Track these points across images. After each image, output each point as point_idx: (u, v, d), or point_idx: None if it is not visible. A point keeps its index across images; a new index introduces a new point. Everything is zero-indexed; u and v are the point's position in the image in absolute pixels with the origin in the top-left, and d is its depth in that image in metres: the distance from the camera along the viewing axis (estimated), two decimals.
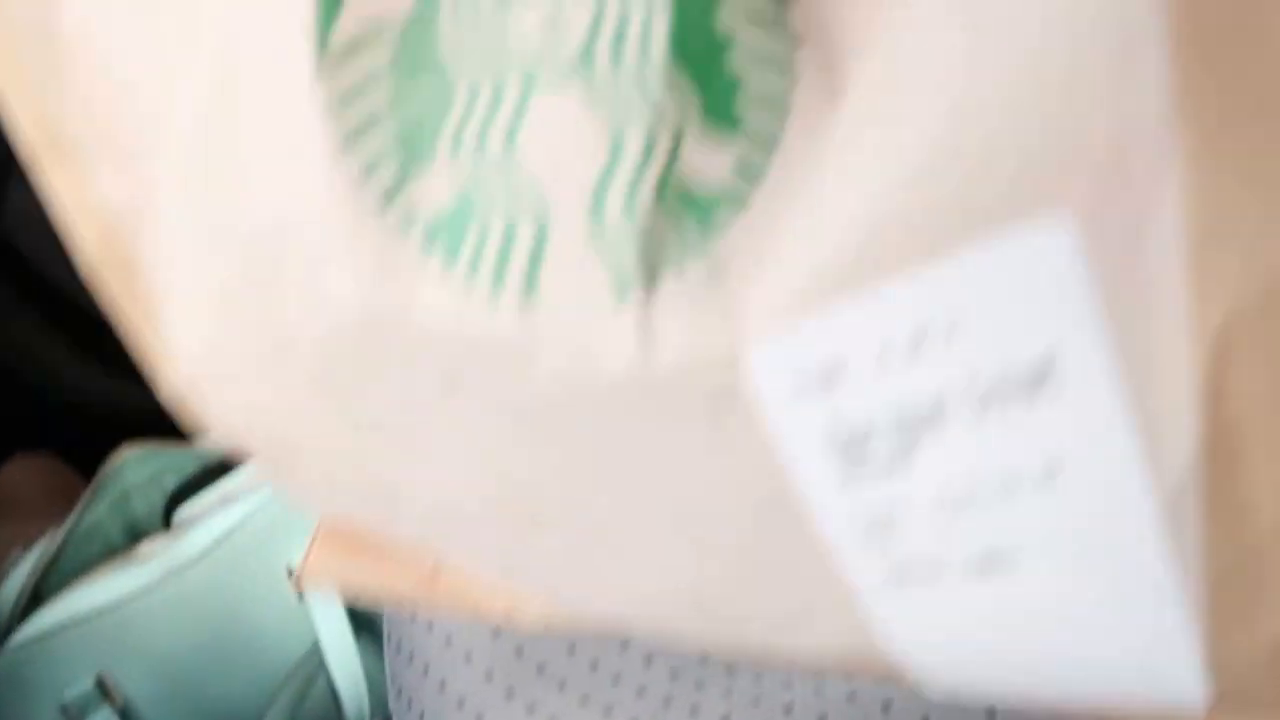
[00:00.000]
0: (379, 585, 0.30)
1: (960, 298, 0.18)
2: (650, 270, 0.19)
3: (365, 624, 0.86)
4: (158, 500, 0.96)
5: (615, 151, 0.18)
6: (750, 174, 0.18)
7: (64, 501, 1.01)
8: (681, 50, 0.18)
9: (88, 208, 0.24)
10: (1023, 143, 0.17)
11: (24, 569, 0.92)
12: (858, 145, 0.18)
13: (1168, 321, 0.18)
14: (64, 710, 0.85)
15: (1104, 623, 0.22)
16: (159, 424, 0.97)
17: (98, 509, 0.95)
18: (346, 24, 0.19)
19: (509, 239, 0.19)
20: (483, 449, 0.23)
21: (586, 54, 0.18)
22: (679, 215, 0.18)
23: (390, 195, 0.20)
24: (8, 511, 1.16)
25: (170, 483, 0.97)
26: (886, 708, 0.34)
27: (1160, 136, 0.17)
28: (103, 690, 0.86)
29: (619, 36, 0.18)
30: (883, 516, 0.21)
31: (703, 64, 0.18)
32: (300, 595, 0.86)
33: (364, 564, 0.30)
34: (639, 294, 0.19)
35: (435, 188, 0.20)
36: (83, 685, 0.86)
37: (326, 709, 0.86)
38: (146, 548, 0.90)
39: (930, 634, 0.23)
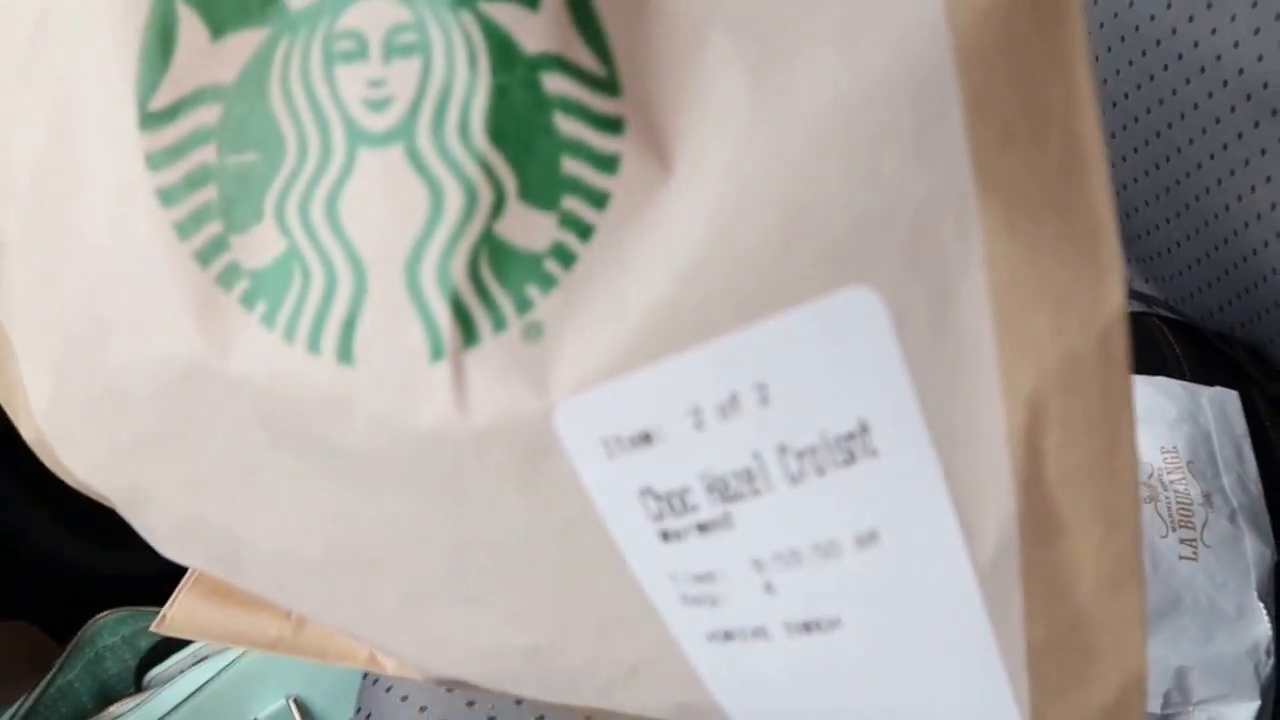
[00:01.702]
0: (242, 633, 0.30)
1: (769, 365, 0.18)
2: (466, 331, 0.19)
3: None
4: (130, 660, 0.96)
5: (434, 215, 0.18)
6: (563, 255, 0.19)
7: (38, 667, 1.00)
8: (499, 131, 0.18)
9: None
10: (828, 219, 0.17)
11: None
12: (671, 228, 0.18)
13: (980, 388, 0.19)
14: None
15: (928, 683, 0.22)
16: (136, 592, 0.97)
17: (70, 671, 0.94)
18: (172, 85, 0.19)
19: (328, 297, 0.19)
20: (311, 498, 0.22)
21: (409, 121, 0.18)
22: (494, 281, 0.19)
23: (214, 251, 0.20)
24: None
25: (144, 643, 0.96)
26: None
27: (963, 213, 0.18)
28: None
29: (440, 110, 0.18)
30: (704, 574, 0.21)
31: (520, 147, 0.18)
32: None
33: (229, 612, 0.29)
34: (453, 353, 0.19)
35: (258, 245, 0.19)
36: None
37: None
38: (116, 709, 0.89)
39: (754, 690, 0.23)
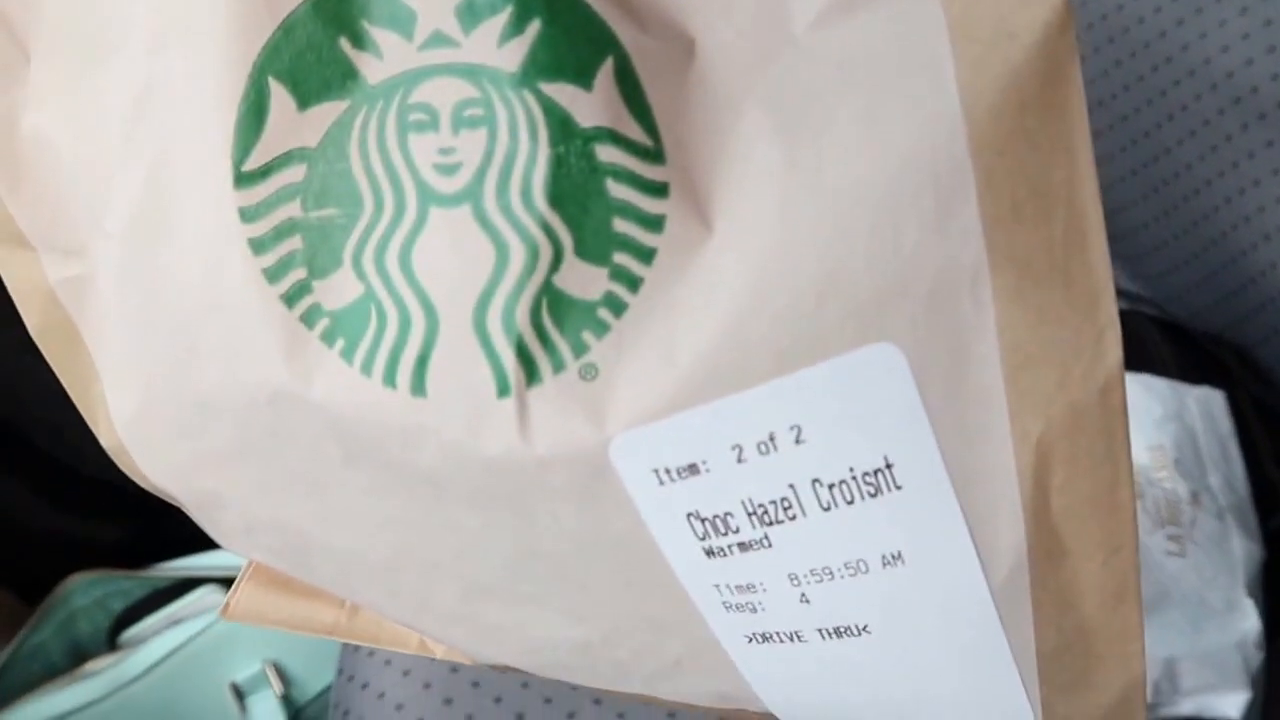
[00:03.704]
0: (301, 620, 0.31)
1: (803, 410, 0.20)
2: (528, 370, 0.20)
3: None
4: (103, 623, 0.93)
5: (499, 268, 0.20)
6: (615, 305, 0.20)
7: (7, 629, 0.98)
8: (557, 195, 0.20)
9: (32, 287, 0.25)
10: (856, 283, 0.19)
11: None
12: (712, 283, 0.20)
13: (993, 433, 0.20)
14: None
15: (948, 682, 0.24)
16: (104, 558, 0.95)
17: (43, 631, 0.92)
18: (264, 149, 0.21)
19: (402, 337, 0.21)
20: (380, 509, 0.24)
21: (476, 185, 0.20)
22: (554, 326, 0.20)
23: (299, 293, 0.21)
24: None
25: (117, 606, 0.94)
26: None
27: (977, 278, 0.19)
28: None
29: (504, 175, 0.20)
30: (745, 585, 0.23)
31: (577, 209, 0.20)
32: (241, 708, 0.83)
33: (289, 600, 0.30)
34: (518, 390, 0.20)
35: (338, 289, 0.21)
36: None
37: None
38: (92, 665, 0.86)
39: (791, 684, 0.25)
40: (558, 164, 0.20)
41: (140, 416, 0.24)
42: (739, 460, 0.21)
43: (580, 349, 0.20)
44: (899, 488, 0.21)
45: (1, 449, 1.08)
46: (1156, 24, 0.64)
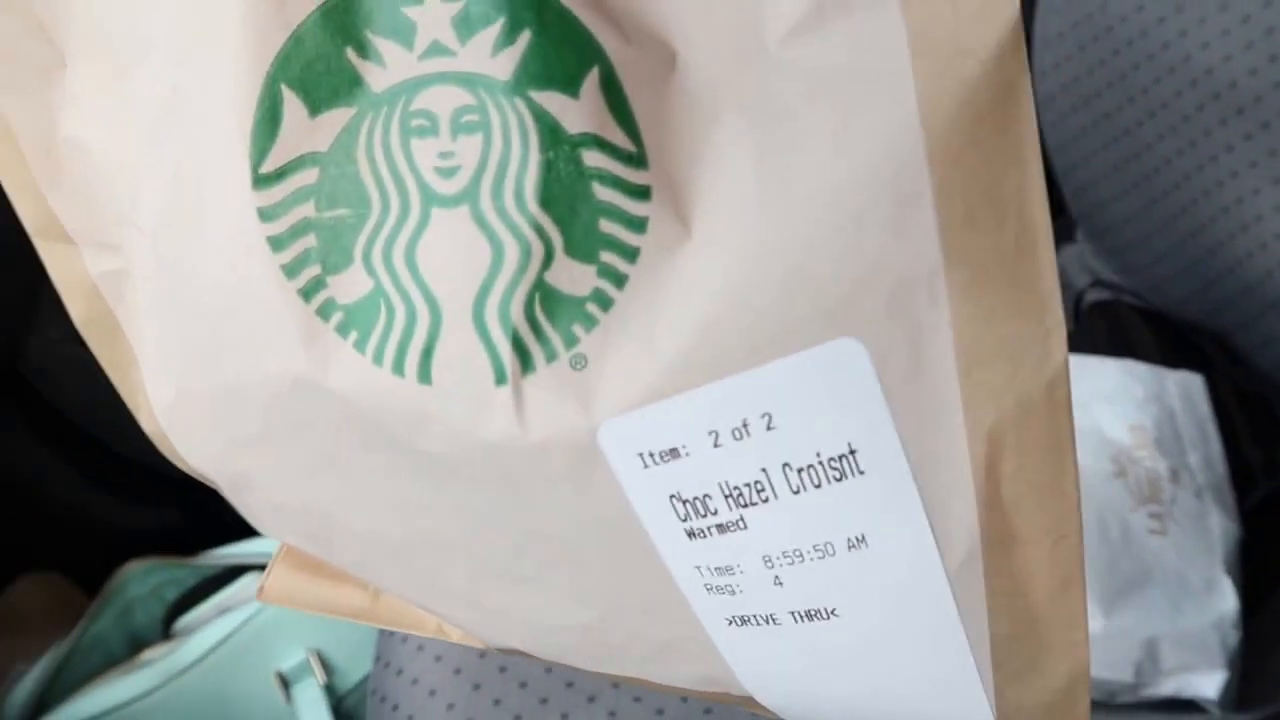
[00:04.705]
0: (329, 603, 0.32)
1: (774, 399, 0.21)
2: (523, 360, 0.22)
3: None
4: (158, 611, 0.96)
5: (495, 265, 0.21)
6: (602, 300, 0.21)
7: (69, 617, 1.00)
8: (547, 198, 0.21)
9: (76, 280, 0.27)
10: (822, 281, 0.20)
11: (31, 679, 0.91)
12: (691, 280, 0.21)
13: (948, 422, 0.22)
14: None
15: (911, 666, 0.25)
16: (159, 545, 0.97)
17: (102, 621, 0.95)
18: (279, 152, 0.22)
19: (409, 329, 0.22)
20: (396, 490, 0.25)
21: (474, 187, 0.21)
22: (546, 320, 0.22)
23: (314, 288, 0.23)
24: (16, 626, 1.14)
25: (170, 594, 0.97)
26: None
27: (934, 280, 0.21)
28: None
29: (499, 178, 0.21)
30: (724, 567, 0.24)
31: (565, 210, 0.21)
32: (287, 696, 0.86)
33: (317, 584, 0.32)
34: (514, 378, 0.22)
35: (349, 284, 0.22)
36: None
37: None
38: (148, 654, 0.89)
39: (768, 667, 0.26)
40: (548, 168, 0.21)
41: (177, 404, 0.26)
42: (715, 445, 0.22)
43: (571, 341, 0.22)
44: (862, 473, 0.22)
45: (54, 438, 1.11)
46: (1138, 22, 0.65)
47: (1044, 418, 0.22)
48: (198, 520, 0.98)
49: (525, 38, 0.21)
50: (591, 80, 0.21)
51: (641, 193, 0.21)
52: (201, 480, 0.29)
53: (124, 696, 0.86)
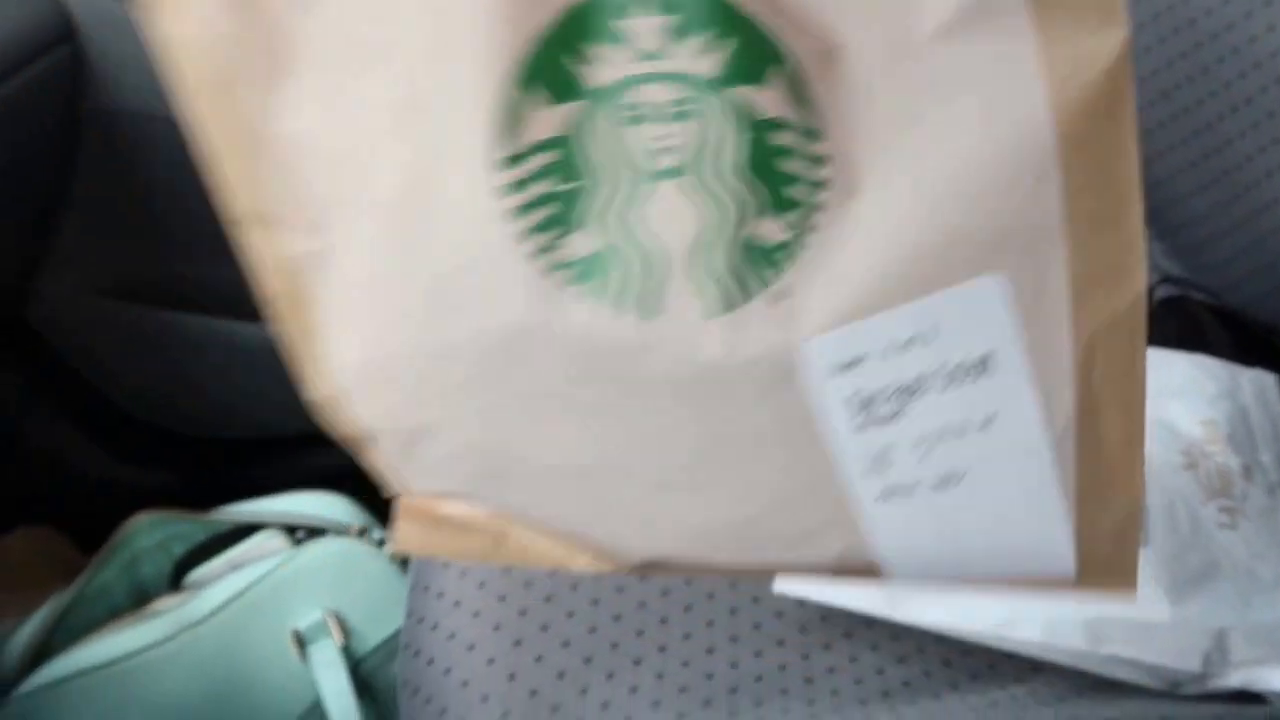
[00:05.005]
0: (457, 548, 0.36)
1: (936, 320, 0.27)
2: (735, 296, 0.27)
3: (364, 688, 0.84)
4: (165, 566, 0.94)
5: (709, 221, 0.27)
6: (797, 243, 0.27)
7: (61, 572, 0.99)
8: (750, 168, 0.26)
9: (272, 259, 0.30)
10: (973, 233, 0.27)
11: (33, 624, 0.89)
12: (868, 231, 0.26)
13: (1059, 334, 0.28)
14: None
15: (1016, 512, 0.31)
16: (157, 505, 0.95)
17: (107, 572, 0.93)
18: (519, 138, 0.26)
19: (636, 276, 0.27)
20: (594, 421, 0.30)
21: (691, 160, 0.26)
22: (752, 261, 0.27)
23: (548, 248, 0.27)
24: (6, 580, 1.13)
25: (178, 550, 0.95)
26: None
27: (1055, 233, 0.27)
28: None
29: (710, 155, 0.26)
30: (880, 453, 0.30)
31: (763, 177, 0.26)
32: (303, 656, 0.84)
33: (439, 533, 0.36)
34: (727, 311, 0.27)
35: (584, 242, 0.27)
36: None
37: None
38: (159, 604, 0.87)
39: (903, 535, 0.32)
40: (748, 145, 0.26)
41: (365, 365, 0.30)
42: (888, 357, 0.28)
43: (771, 279, 0.27)
44: (995, 372, 0.28)
45: (56, 392, 1.10)
46: (1223, 15, 0.64)
47: (1125, 329, 0.29)
48: (196, 482, 0.96)
49: (726, 44, 0.26)
50: (778, 74, 0.26)
51: (821, 160, 0.26)
52: (357, 444, 0.32)
53: (133, 645, 0.83)
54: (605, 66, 0.26)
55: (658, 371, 0.28)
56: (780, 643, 0.53)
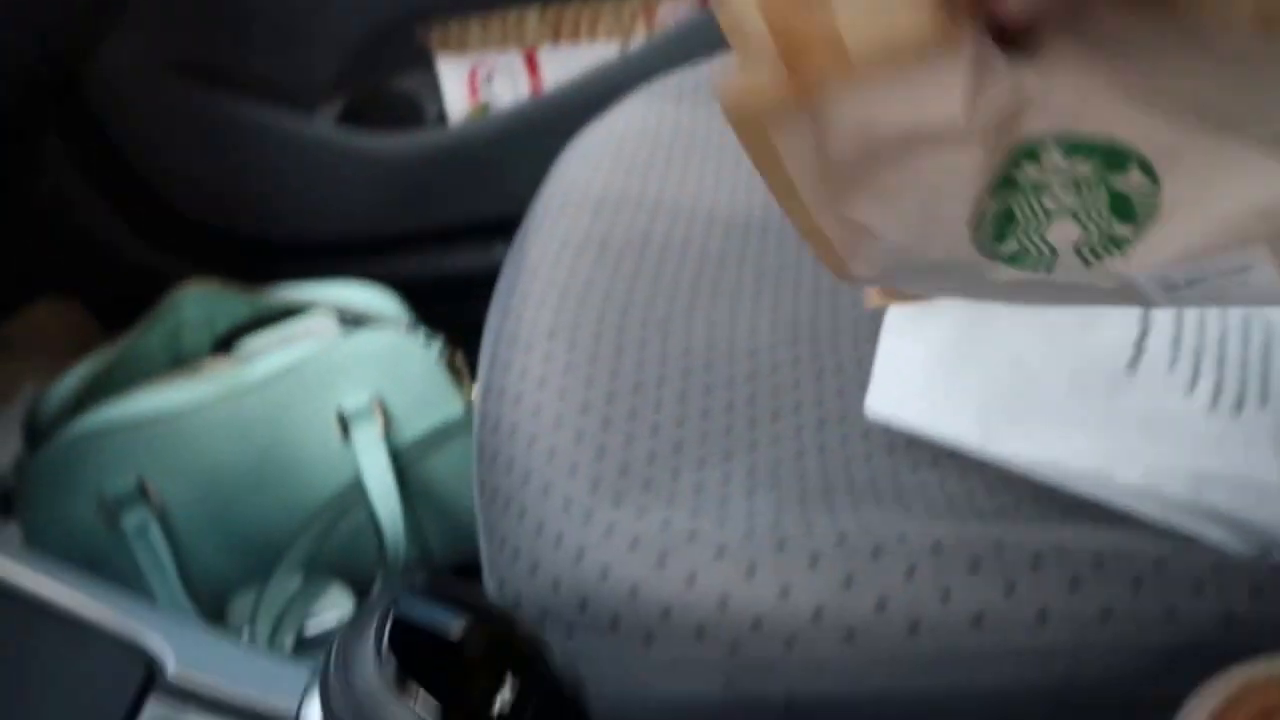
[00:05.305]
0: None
1: (1225, 262, 0.34)
2: (1098, 260, 0.35)
3: (401, 476, 0.84)
4: (206, 340, 0.93)
5: (1087, 234, 0.35)
6: (1136, 236, 0.34)
7: (83, 345, 0.98)
8: (1109, 207, 0.34)
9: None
10: (1249, 233, 0.33)
11: (75, 376, 0.88)
12: (1174, 210, 0.34)
13: None
14: (102, 504, 0.82)
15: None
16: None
17: (150, 338, 0.91)
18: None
19: (1044, 261, 0.36)
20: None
21: (1081, 209, 0.34)
22: (1107, 249, 0.35)
23: (984, 245, 0.35)
24: (31, 347, 1.13)
25: (222, 326, 0.93)
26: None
27: None
28: (142, 491, 0.83)
29: (1093, 203, 0.34)
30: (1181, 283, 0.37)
31: (1113, 192, 0.34)
32: (345, 436, 0.84)
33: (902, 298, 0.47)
34: (1091, 266, 0.36)
35: (1006, 245, 0.35)
36: (124, 484, 0.82)
37: (355, 544, 0.83)
38: (210, 365, 0.86)
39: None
40: (1104, 179, 0.33)
41: (897, 250, 0.37)
42: (1191, 284, 0.36)
43: (1119, 253, 0.35)
44: (1251, 271, 0.35)
45: (99, 172, 1.08)
46: None
47: None
48: (230, 279, 0.95)
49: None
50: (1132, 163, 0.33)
51: (1157, 180, 0.33)
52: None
53: (179, 402, 0.82)
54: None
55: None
56: (869, 458, 0.53)
